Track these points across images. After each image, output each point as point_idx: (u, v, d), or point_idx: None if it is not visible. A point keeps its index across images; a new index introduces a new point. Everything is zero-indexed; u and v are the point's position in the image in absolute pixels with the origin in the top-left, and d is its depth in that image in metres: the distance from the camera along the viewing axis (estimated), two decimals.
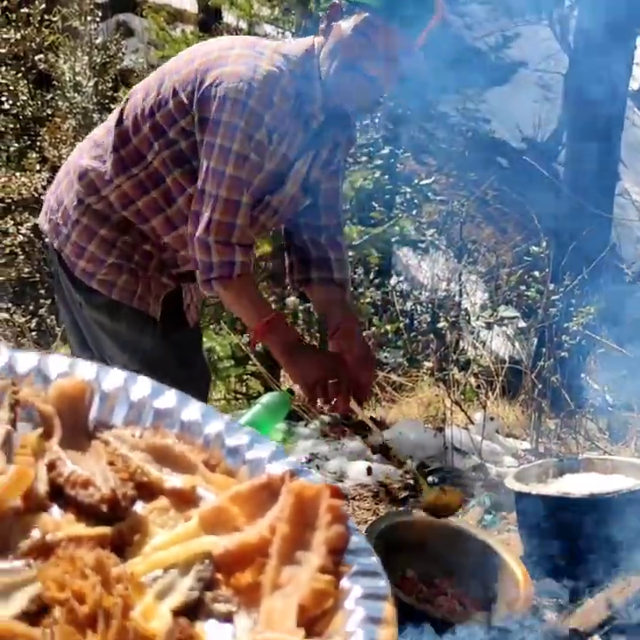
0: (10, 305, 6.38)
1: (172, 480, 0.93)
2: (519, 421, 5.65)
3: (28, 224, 6.59)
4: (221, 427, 1.01)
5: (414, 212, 6.21)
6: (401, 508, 3.72)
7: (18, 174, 6.62)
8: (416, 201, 6.21)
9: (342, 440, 4.47)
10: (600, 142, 8.02)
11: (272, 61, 2.47)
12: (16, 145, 7.01)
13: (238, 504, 0.88)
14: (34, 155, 6.82)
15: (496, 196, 9.62)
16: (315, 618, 0.77)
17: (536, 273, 5.90)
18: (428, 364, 6.20)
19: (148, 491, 0.91)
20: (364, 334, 5.58)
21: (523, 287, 5.91)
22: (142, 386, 1.04)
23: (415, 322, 7.08)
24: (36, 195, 6.63)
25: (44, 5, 7.20)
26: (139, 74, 7.81)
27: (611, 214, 7.90)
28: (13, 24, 7.02)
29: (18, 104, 7.01)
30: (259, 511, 0.87)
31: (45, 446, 0.94)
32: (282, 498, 0.85)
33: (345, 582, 0.80)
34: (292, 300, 5.51)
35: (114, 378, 1.05)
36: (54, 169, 6.77)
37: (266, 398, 4.26)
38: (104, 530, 0.84)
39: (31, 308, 6.40)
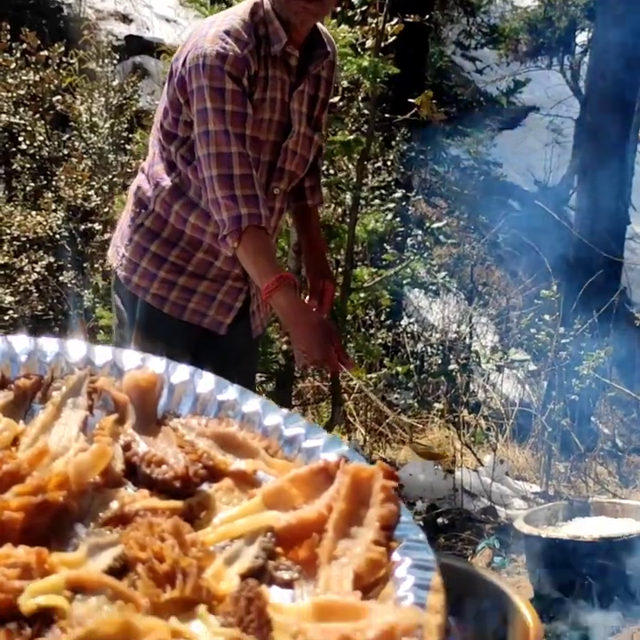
0: None
1: (237, 463, 1.01)
2: (529, 464, 5.64)
3: (43, 262, 6.64)
4: (280, 419, 1.09)
5: (425, 255, 6.24)
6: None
7: (34, 213, 6.68)
8: (427, 244, 6.25)
9: None
10: (610, 187, 8.07)
11: (222, 22, 2.63)
12: (32, 184, 7.07)
13: (297, 486, 0.95)
14: (50, 194, 6.88)
15: (507, 238, 9.65)
16: (369, 586, 0.83)
17: (546, 316, 5.92)
18: (438, 406, 6.21)
19: (213, 473, 0.99)
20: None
21: (533, 330, 5.91)
22: (207, 380, 1.14)
23: (426, 364, 7.09)
24: (51, 233, 6.69)
25: (62, 48, 7.29)
26: (153, 115, 7.91)
27: (621, 258, 7.93)
28: (32, 66, 7.11)
29: (35, 144, 7.07)
30: (316, 493, 0.93)
31: (120, 430, 1.02)
32: (338, 479, 0.92)
33: (395, 555, 0.86)
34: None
35: (181, 372, 1.15)
36: (70, 208, 6.84)
37: None
38: (176, 503, 0.93)
39: None
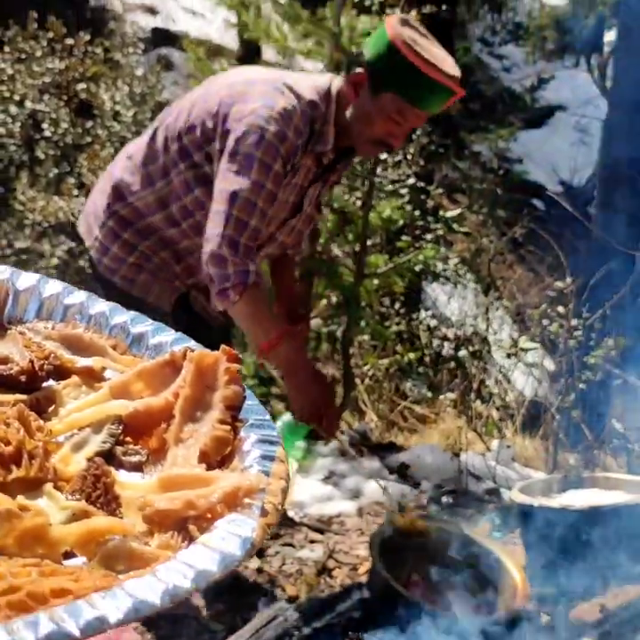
0: None
1: (83, 361, 1.00)
2: (537, 454, 5.67)
3: (64, 247, 6.75)
4: (127, 318, 1.09)
5: (442, 248, 6.29)
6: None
7: (56, 198, 6.78)
8: (441, 232, 6.29)
9: (360, 459, 4.54)
10: (632, 188, 8.05)
11: (289, 99, 2.71)
12: (55, 170, 7.18)
13: (144, 379, 0.95)
14: (72, 180, 6.98)
15: (529, 237, 9.67)
16: (216, 464, 0.85)
17: (560, 308, 5.93)
18: (451, 396, 6.24)
19: (60, 372, 0.98)
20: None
21: (545, 321, 5.93)
22: (54, 285, 1.11)
23: (440, 357, 7.11)
24: (73, 219, 6.79)
25: (88, 37, 7.40)
26: None
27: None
28: (58, 54, 7.24)
29: (59, 132, 7.19)
30: (163, 386, 0.94)
31: None
32: (184, 368, 0.92)
33: (241, 433, 0.88)
34: (316, 322, 5.60)
35: (26, 279, 1.11)
36: None
37: (287, 416, 4.36)
38: (22, 397, 0.92)
39: None
